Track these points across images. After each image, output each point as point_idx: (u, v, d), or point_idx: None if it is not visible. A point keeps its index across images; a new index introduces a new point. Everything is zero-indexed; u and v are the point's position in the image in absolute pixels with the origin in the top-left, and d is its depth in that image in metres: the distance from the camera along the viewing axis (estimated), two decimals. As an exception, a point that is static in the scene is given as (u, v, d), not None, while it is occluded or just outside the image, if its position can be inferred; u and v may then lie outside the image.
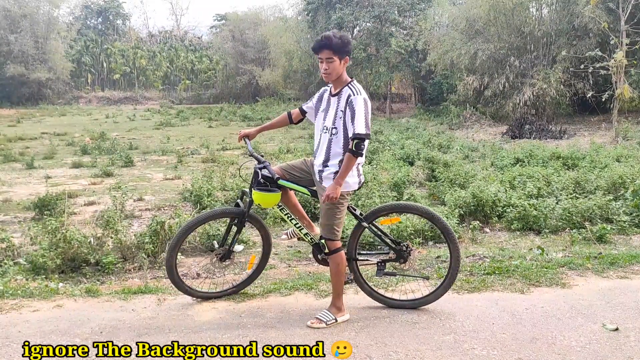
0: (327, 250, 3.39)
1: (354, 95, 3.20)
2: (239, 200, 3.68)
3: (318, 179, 3.39)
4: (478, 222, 5.84)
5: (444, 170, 8.51)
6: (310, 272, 4.40)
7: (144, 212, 6.97)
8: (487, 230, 5.97)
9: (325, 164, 3.33)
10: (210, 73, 41.64)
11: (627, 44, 15.57)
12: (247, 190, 3.61)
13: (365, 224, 3.51)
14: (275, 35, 32.49)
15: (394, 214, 3.69)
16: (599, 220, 5.81)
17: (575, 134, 17.22)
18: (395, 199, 6.77)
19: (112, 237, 4.84)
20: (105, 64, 41.90)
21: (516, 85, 19.54)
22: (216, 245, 3.88)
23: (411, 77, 28.59)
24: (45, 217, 6.10)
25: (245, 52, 37.00)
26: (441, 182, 7.93)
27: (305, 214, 3.73)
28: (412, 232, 5.24)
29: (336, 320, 3.30)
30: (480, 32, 20.73)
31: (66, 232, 4.56)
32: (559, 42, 19.31)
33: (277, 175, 3.46)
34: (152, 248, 4.72)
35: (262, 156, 3.59)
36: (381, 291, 3.70)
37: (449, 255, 3.54)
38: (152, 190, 8.74)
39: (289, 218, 3.60)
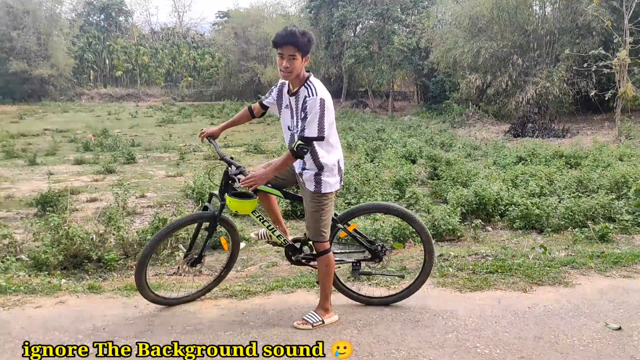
0: (315, 252, 3.32)
1: (309, 96, 3.00)
2: (207, 204, 3.51)
3: (301, 181, 3.28)
4: (480, 220, 5.84)
5: (446, 169, 8.50)
6: (312, 270, 4.39)
7: (146, 209, 6.98)
8: (490, 228, 5.96)
9: (303, 167, 3.21)
10: (213, 70, 41.65)
11: (630, 43, 15.55)
12: (217, 193, 3.43)
13: (340, 225, 3.46)
14: (278, 32, 32.44)
15: (362, 216, 3.59)
16: (601, 219, 5.80)
17: (578, 132, 17.19)
18: (397, 196, 6.78)
19: (114, 234, 4.86)
20: (107, 61, 41.95)
21: (519, 83, 19.51)
22: (184, 250, 3.71)
23: (413, 75, 28.55)
24: (48, 213, 6.12)
25: (248, 49, 36.97)
26: (443, 181, 7.93)
27: (282, 219, 3.61)
28: (413, 230, 5.22)
29: (323, 322, 3.25)
30: (483, 30, 20.68)
31: (68, 228, 4.57)
32: (562, 40, 19.26)
33: None
34: (154, 245, 4.71)
35: (232, 158, 3.41)
36: (354, 288, 3.67)
37: (422, 251, 3.53)
38: (154, 187, 8.75)
39: (262, 220, 3.46)
